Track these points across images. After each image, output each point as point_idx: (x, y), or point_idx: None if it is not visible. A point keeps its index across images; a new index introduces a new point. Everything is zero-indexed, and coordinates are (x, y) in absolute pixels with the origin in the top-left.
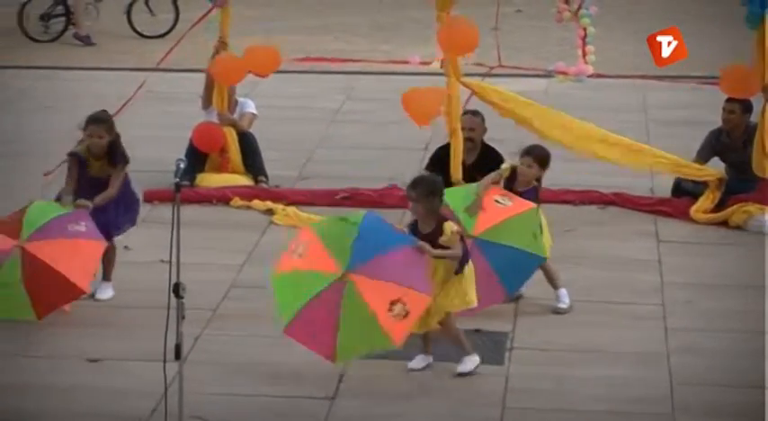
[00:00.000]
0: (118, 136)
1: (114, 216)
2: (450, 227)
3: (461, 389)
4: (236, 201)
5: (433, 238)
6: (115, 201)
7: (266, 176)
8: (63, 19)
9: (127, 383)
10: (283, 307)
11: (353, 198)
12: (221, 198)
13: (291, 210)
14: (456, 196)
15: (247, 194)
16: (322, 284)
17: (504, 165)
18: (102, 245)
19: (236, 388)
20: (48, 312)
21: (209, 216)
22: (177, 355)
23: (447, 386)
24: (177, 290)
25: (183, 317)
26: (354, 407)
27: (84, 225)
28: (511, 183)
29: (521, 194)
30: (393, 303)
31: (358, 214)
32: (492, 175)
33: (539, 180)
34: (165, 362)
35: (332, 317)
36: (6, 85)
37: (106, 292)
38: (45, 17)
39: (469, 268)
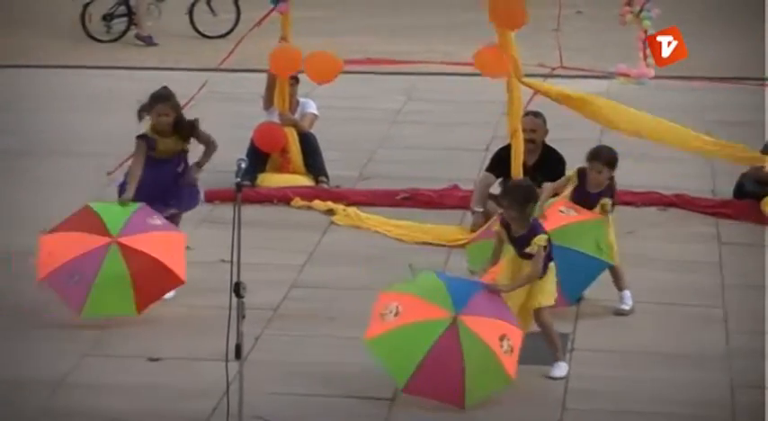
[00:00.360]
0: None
1: (180, 196)
2: (538, 241)
3: (521, 390)
4: (297, 201)
5: (524, 244)
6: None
7: (327, 177)
8: (125, 19)
9: (188, 382)
10: (396, 367)
11: (414, 198)
12: (282, 198)
13: (352, 210)
14: None
15: (308, 195)
16: (436, 332)
17: (569, 172)
18: (183, 236)
19: (297, 387)
20: (147, 305)
21: (269, 216)
22: (238, 355)
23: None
24: (238, 289)
25: (244, 317)
26: (413, 407)
27: (158, 218)
28: (582, 186)
29: (595, 195)
30: (501, 339)
31: (425, 273)
32: (557, 182)
33: (611, 178)
34: (226, 361)
35: (456, 362)
36: (70, 85)
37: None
38: (107, 17)
39: (551, 267)
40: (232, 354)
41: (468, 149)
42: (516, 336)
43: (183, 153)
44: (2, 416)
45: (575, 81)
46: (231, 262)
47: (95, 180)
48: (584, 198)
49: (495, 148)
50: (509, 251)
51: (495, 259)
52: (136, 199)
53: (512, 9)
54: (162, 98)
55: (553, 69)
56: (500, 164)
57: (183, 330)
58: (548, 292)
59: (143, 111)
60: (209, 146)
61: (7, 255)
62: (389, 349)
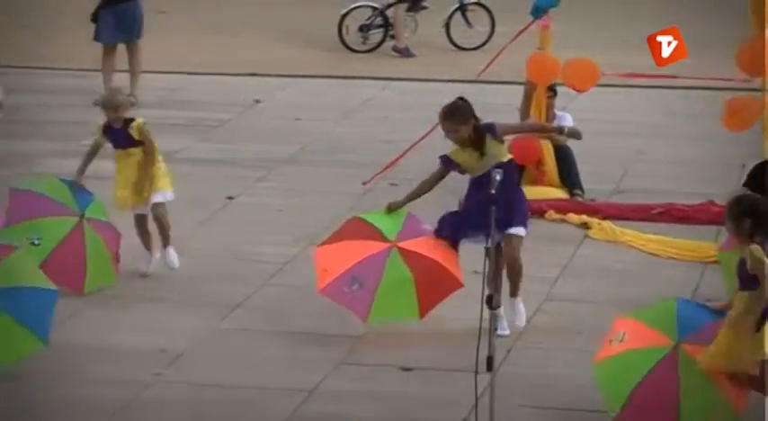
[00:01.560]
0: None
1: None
2: (755, 252)
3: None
4: (551, 213)
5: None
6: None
7: (582, 190)
8: (381, 30)
9: (438, 393)
10: (611, 393)
11: (668, 213)
12: (536, 210)
13: (606, 224)
14: None
15: (563, 207)
16: (654, 359)
17: None
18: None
19: (546, 401)
20: (429, 309)
21: None
22: (489, 367)
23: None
24: (490, 301)
25: (496, 329)
26: None
27: (428, 225)
28: None
29: None
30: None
31: (668, 299)
32: None
33: None
34: (476, 373)
35: (670, 393)
36: (329, 94)
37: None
38: (364, 28)
39: None
40: (483, 366)
41: (724, 165)
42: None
43: (504, 164)
44: (255, 419)
45: None
46: (484, 273)
47: (352, 190)
48: None
49: (751, 164)
50: None
51: None
52: (459, 227)
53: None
54: (443, 116)
55: None
56: (756, 180)
57: (435, 341)
58: None
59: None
60: (539, 129)
61: (269, 262)
62: (608, 375)
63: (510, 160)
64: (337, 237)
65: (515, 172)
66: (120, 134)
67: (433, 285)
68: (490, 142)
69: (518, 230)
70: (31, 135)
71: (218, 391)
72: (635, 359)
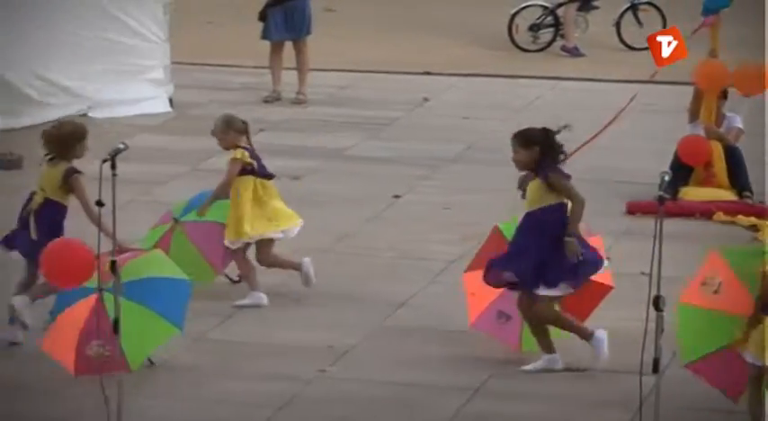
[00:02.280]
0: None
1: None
2: None
3: None
4: (720, 215)
5: None
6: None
7: (751, 192)
8: (552, 29)
9: (603, 394)
10: (688, 345)
11: None
12: (704, 212)
13: None
14: None
15: (731, 209)
16: (741, 329)
17: None
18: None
19: (711, 404)
20: (582, 321)
21: (691, 230)
22: (655, 369)
23: None
24: (657, 303)
25: (662, 331)
26: None
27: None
28: None
29: None
30: None
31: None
32: None
33: None
34: (640, 374)
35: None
36: (499, 93)
37: None
38: (534, 27)
39: None
40: (648, 368)
41: None
42: None
43: (545, 208)
44: (419, 417)
45: None
46: (650, 275)
47: (512, 193)
48: None
49: None
50: None
51: None
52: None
53: None
54: (513, 135)
55: None
56: None
57: None
58: None
59: None
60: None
61: (435, 260)
62: (691, 326)
63: (551, 207)
64: (480, 260)
65: (554, 221)
66: None
67: (577, 301)
68: (537, 181)
69: (546, 291)
70: (200, 132)
71: (383, 388)
72: (723, 325)
